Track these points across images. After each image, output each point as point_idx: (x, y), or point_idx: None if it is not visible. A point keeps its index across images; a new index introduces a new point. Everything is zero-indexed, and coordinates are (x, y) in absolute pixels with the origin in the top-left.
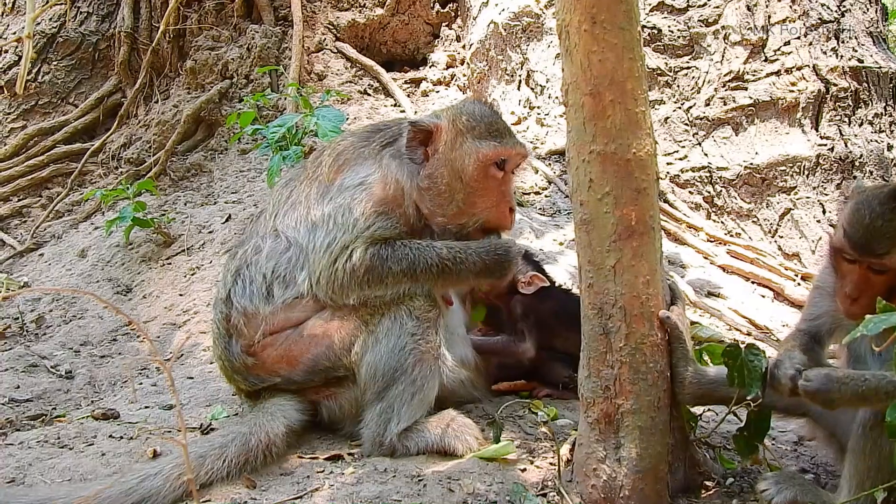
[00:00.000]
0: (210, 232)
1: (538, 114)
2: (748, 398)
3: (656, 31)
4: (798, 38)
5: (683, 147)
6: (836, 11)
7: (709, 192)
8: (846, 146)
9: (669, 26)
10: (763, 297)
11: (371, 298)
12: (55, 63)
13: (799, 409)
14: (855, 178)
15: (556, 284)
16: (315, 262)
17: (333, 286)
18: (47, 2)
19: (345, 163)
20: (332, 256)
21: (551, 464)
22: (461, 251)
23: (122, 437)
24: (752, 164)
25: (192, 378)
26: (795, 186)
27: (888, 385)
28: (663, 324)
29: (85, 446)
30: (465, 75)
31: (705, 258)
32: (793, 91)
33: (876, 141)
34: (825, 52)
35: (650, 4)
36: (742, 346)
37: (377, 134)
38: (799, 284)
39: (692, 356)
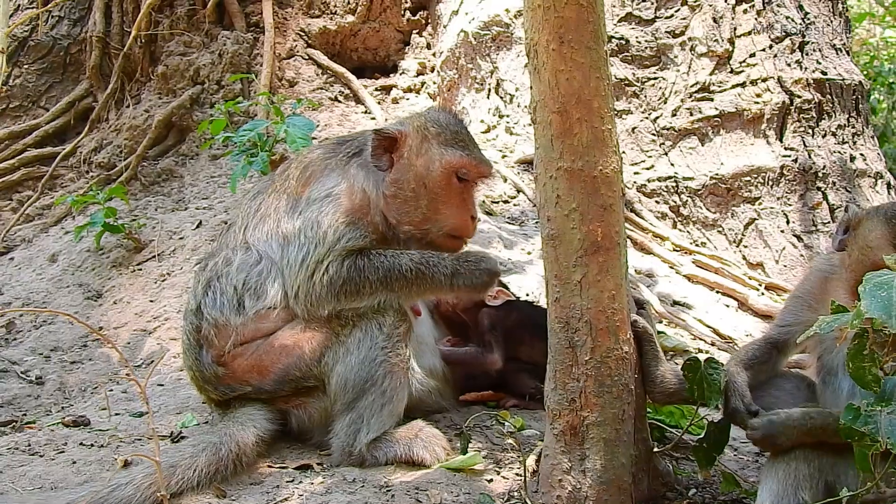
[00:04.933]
0: (181, 238)
1: (507, 122)
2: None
3: (624, 42)
4: (763, 50)
5: (650, 157)
6: (800, 24)
7: (675, 202)
8: (810, 157)
9: (637, 37)
10: (727, 306)
11: (346, 310)
12: (26, 67)
13: None
14: (819, 188)
15: (520, 298)
16: (291, 277)
17: (311, 299)
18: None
19: (312, 175)
20: (308, 271)
21: (517, 474)
22: (433, 256)
23: (92, 445)
24: (717, 174)
25: (162, 385)
26: (760, 197)
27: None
28: (633, 326)
29: (56, 454)
30: (435, 83)
31: (671, 268)
32: (758, 102)
33: (839, 152)
34: (790, 65)
35: (618, 15)
36: (702, 359)
37: (343, 146)
38: (762, 294)
39: (661, 356)
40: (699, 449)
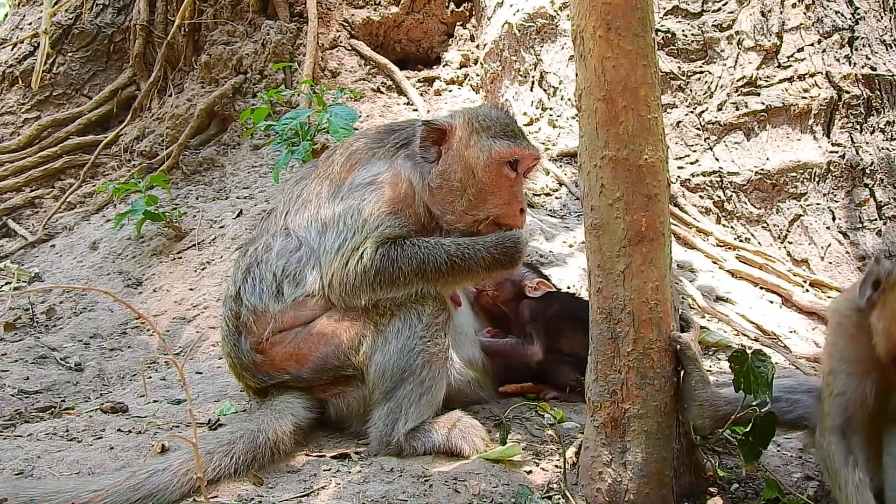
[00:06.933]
0: (221, 227)
1: (550, 115)
2: (754, 404)
3: (670, 35)
4: (811, 44)
5: (695, 151)
6: (850, 19)
7: (719, 197)
8: (857, 153)
9: (683, 30)
10: (771, 302)
11: (383, 300)
12: (70, 54)
13: (800, 423)
14: (866, 185)
15: (561, 289)
16: (327, 265)
17: (346, 288)
18: None
19: (357, 162)
20: (343, 258)
21: (557, 466)
22: (469, 246)
23: (130, 431)
24: (762, 169)
25: (200, 373)
26: (806, 193)
27: None
28: (674, 342)
29: (93, 440)
30: (478, 75)
31: (714, 263)
32: (805, 97)
33: (887, 149)
34: (838, 60)
35: (664, 8)
36: (749, 351)
37: (391, 135)
38: (807, 291)
39: (708, 378)
40: (744, 443)
